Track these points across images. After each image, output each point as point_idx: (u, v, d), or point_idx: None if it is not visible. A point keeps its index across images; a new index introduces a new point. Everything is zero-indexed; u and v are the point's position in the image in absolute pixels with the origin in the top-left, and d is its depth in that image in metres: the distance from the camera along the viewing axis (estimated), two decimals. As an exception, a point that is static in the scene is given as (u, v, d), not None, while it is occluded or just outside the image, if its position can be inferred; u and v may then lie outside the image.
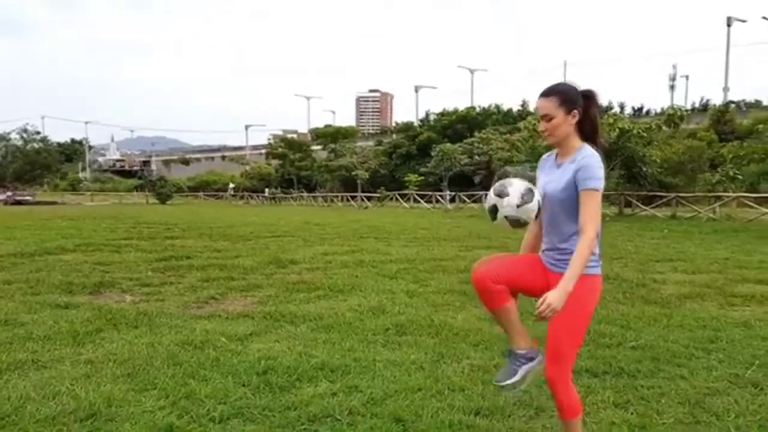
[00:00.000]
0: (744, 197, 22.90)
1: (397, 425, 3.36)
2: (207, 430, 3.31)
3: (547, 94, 2.84)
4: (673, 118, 23.57)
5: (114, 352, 4.63)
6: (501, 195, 2.77)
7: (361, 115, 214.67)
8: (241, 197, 59.96)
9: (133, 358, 4.47)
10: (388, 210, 36.78)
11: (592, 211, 2.70)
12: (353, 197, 47.07)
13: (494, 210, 2.80)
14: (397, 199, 43.46)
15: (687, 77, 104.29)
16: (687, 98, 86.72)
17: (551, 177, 2.85)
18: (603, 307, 6.46)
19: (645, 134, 22.59)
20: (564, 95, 2.81)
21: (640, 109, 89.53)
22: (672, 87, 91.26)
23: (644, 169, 24.23)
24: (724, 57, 62.39)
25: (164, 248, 11.62)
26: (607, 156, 18.59)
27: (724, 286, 7.98)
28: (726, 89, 64.63)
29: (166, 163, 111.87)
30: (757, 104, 63.71)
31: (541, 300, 2.58)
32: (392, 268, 9.35)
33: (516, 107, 71.83)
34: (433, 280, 8.23)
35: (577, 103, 2.81)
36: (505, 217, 2.77)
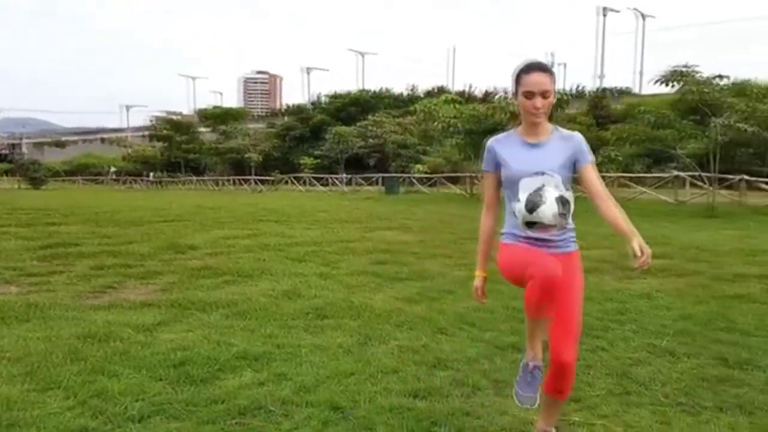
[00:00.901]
0: (623, 177, 24.36)
1: (335, 413, 3.19)
2: (126, 430, 2.98)
3: (545, 69, 2.71)
4: (560, 102, 24.57)
5: (5, 349, 4.12)
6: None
7: (249, 97, 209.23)
8: (124, 182, 56.93)
9: (28, 354, 4.00)
10: (283, 193, 36.16)
11: (598, 179, 2.75)
12: (245, 181, 45.89)
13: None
14: (291, 182, 42.80)
15: (564, 65, 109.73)
16: (564, 85, 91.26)
17: (535, 157, 2.71)
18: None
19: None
20: (554, 74, 2.73)
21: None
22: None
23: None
24: (598, 46, 66.12)
25: (47, 235, 10.69)
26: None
27: (618, 261, 8.35)
28: (601, 76, 68.60)
29: (38, 145, 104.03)
30: (627, 91, 67.73)
31: (639, 251, 2.43)
32: (299, 250, 9.10)
33: (405, 91, 72.70)
34: (343, 262, 8.07)
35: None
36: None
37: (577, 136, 2.79)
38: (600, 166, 21.68)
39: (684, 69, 18.45)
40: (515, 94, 2.72)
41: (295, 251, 9.04)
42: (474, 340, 4.45)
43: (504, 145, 2.79)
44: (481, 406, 3.30)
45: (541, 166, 2.69)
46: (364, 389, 3.48)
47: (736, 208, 18.29)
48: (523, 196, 2.62)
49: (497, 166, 2.79)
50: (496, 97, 65.95)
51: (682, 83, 18.79)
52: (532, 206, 2.58)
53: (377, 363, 3.92)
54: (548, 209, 2.57)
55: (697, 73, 18.49)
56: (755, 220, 15.21)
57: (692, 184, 21.87)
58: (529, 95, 2.64)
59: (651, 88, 25.45)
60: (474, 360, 4.00)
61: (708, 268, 7.79)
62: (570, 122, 35.85)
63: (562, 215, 2.58)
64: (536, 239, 2.72)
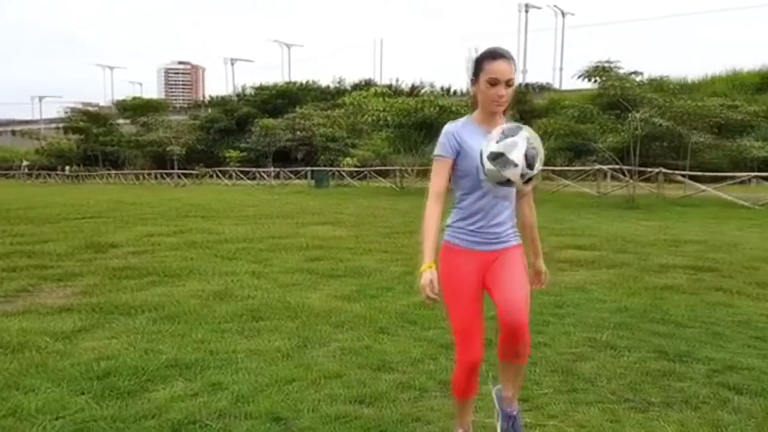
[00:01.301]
0: (546, 170, 24.92)
1: (277, 425, 2.99)
2: (44, 455, 2.70)
3: (510, 57, 2.57)
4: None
5: None
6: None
7: (170, 88, 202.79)
8: (38, 176, 54.06)
9: (-71, 371, 3.61)
10: (209, 188, 35.18)
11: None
12: (168, 174, 44.41)
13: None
14: (217, 175, 41.70)
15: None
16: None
17: None
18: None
19: (463, 111, 23.69)
20: (515, 62, 2.61)
21: (448, 88, 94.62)
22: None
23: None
24: (520, 41, 67.68)
25: (-50, 235, 9.92)
26: (429, 132, 19.18)
27: (549, 253, 8.44)
28: (524, 71, 70.09)
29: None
30: (548, 86, 69.56)
31: (542, 278, 2.81)
32: (228, 248, 8.77)
33: (332, 84, 72.25)
34: (276, 260, 7.81)
35: None
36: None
37: (525, 131, 2.69)
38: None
39: (606, 65, 19.03)
40: (474, 80, 2.58)
41: (224, 249, 8.70)
42: (417, 340, 4.34)
43: (466, 132, 2.64)
44: (430, 410, 3.17)
45: None
46: (306, 397, 3.30)
47: (654, 200, 19.01)
48: (500, 134, 2.45)
49: (457, 152, 2.63)
50: (423, 90, 66.49)
51: (603, 78, 19.39)
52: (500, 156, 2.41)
53: (319, 368, 3.73)
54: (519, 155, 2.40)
55: (619, 69, 19.10)
56: (673, 212, 15.86)
57: (613, 177, 22.63)
58: (494, 83, 2.51)
59: (571, 84, 26.27)
60: (419, 360, 3.88)
61: (635, 260, 7.99)
62: (495, 116, 36.08)
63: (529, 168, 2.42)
64: (481, 233, 2.62)
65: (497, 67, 2.50)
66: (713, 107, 22.81)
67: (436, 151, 2.67)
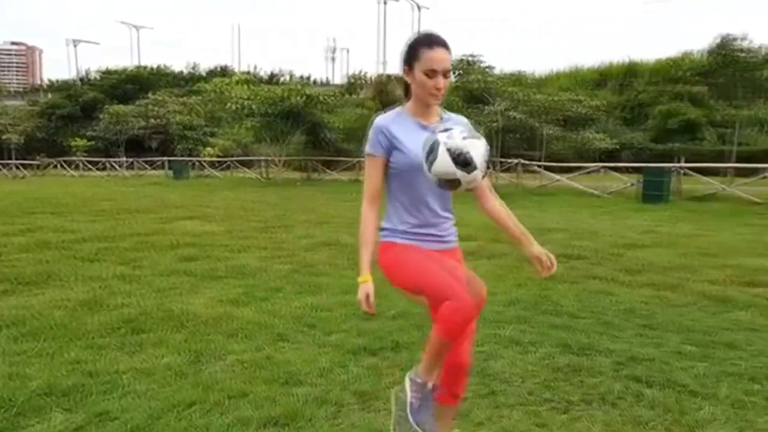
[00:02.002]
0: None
1: (184, 459, 2.64)
2: None
3: (447, 45, 2.37)
4: (354, 86, 24.90)
5: None
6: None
7: (2, 71, 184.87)
8: None
9: None
10: (53, 179, 32.35)
11: None
12: (5, 165, 40.31)
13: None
14: (61, 166, 38.46)
15: (348, 50, 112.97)
16: (348, 70, 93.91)
17: None
18: (342, 276, 6.32)
19: (330, 101, 23.49)
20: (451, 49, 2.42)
21: (308, 78, 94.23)
22: (332, 59, 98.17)
23: (328, 135, 25.26)
24: (380, 33, 68.50)
25: None
26: (295, 121, 18.87)
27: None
28: (384, 63, 71.07)
29: None
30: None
31: (539, 262, 2.48)
32: (89, 248, 7.96)
33: (186, 69, 69.31)
34: (146, 260, 7.18)
35: None
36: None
37: (464, 120, 2.54)
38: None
39: (470, 58, 19.63)
40: (408, 69, 2.37)
41: (83, 249, 7.89)
42: (321, 346, 4.08)
43: (399, 126, 2.42)
44: (352, 427, 2.95)
45: None
46: (212, 423, 2.95)
47: (514, 190, 19.95)
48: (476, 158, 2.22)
49: (389, 149, 2.42)
50: (282, 79, 65.42)
51: (464, 72, 20.04)
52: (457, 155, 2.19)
53: (220, 386, 3.38)
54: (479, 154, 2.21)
55: (481, 63, 19.79)
56: (532, 201, 16.70)
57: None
58: (432, 74, 2.32)
59: None
60: (328, 370, 3.63)
61: (510, 249, 8.21)
62: (359, 107, 36.60)
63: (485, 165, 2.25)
64: (425, 234, 2.43)
65: (437, 56, 2.32)
66: (564, 101, 24.36)
67: (366, 148, 2.46)
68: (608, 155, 33.27)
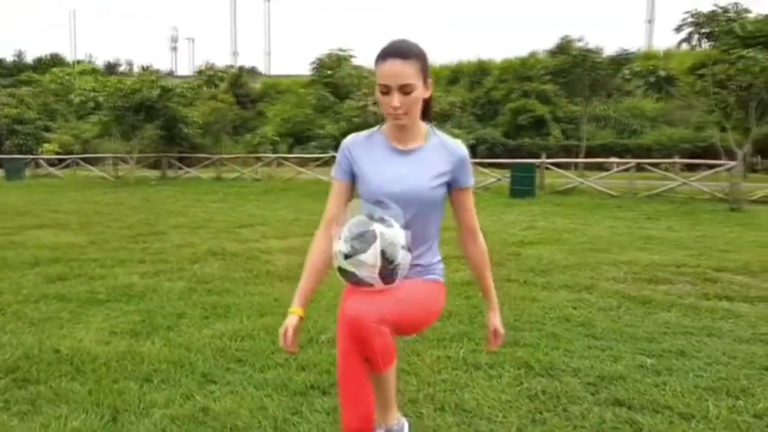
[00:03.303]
0: (282, 158, 24.59)
1: None
2: None
3: (404, 55, 2.04)
4: (213, 79, 23.59)
5: None
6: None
7: None
8: None
9: None
10: None
11: (474, 209, 2.35)
12: None
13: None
14: None
15: (192, 40, 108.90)
16: (193, 61, 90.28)
17: (401, 169, 2.17)
18: (249, 293, 5.67)
19: (188, 94, 22.04)
20: (423, 59, 2.09)
21: (148, 67, 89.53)
22: (174, 49, 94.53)
23: (184, 130, 23.75)
24: (231, 24, 66.29)
25: None
26: (149, 116, 17.51)
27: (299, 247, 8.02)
28: (235, 54, 68.92)
29: None
30: (256, 71, 68.96)
31: (492, 334, 2.49)
32: None
33: (10, 57, 62.92)
34: (3, 283, 6.04)
35: (429, 69, 2.16)
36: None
37: (462, 149, 2.25)
38: (258, 148, 21.66)
39: (340, 53, 19.26)
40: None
41: None
42: (260, 387, 3.45)
43: (364, 150, 2.19)
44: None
45: (405, 181, 2.13)
46: None
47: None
48: (347, 231, 2.04)
49: (351, 174, 2.23)
50: (120, 69, 61.54)
51: (335, 69, 19.64)
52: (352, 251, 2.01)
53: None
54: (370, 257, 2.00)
55: (352, 57, 19.49)
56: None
57: (327, 163, 23.21)
58: (384, 90, 2.04)
59: (281, 69, 26.56)
60: (282, 421, 3.05)
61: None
62: (212, 99, 35.05)
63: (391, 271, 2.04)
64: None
65: (386, 70, 2.04)
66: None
67: (332, 170, 2.30)
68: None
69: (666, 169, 18.92)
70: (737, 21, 15.06)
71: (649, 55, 34.66)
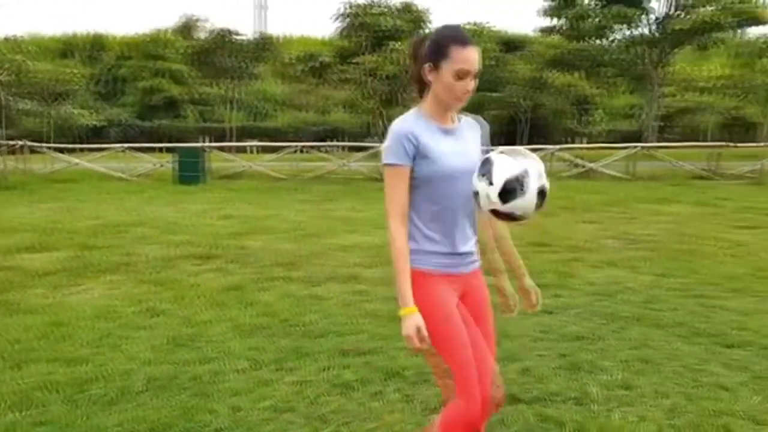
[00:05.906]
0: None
1: None
2: None
3: (475, 42, 2.11)
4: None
5: None
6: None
7: None
8: None
9: None
10: None
11: None
12: None
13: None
14: None
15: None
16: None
17: (456, 147, 2.18)
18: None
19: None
20: None
21: None
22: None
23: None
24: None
25: None
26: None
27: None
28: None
29: None
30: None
31: (535, 298, 2.46)
32: None
33: None
34: None
35: None
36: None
37: (484, 123, 2.54)
38: None
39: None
40: (433, 67, 2.10)
41: None
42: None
43: (423, 132, 2.14)
44: None
45: (469, 158, 2.17)
46: None
47: (24, 177, 16.98)
48: (498, 177, 2.00)
49: (415, 158, 2.13)
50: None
51: None
52: (509, 193, 1.99)
53: None
54: (529, 202, 2.02)
55: None
56: (55, 189, 14.55)
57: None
58: (463, 74, 2.08)
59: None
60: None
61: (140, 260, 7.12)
62: None
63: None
64: (453, 255, 2.19)
65: (470, 56, 2.08)
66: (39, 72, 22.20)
67: (388, 158, 2.13)
68: (94, 132, 31.49)
69: (326, 152, 20.31)
70: (385, 14, 16.76)
71: (307, 42, 36.08)
